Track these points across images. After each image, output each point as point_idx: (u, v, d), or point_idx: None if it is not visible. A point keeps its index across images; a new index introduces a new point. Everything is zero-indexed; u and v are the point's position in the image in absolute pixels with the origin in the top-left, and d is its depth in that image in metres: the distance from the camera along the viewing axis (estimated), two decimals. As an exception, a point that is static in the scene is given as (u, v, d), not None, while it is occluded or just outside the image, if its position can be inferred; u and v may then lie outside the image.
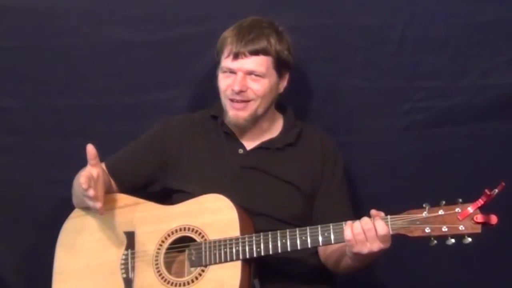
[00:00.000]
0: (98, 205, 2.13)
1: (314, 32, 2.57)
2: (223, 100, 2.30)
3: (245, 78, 2.25)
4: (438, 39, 2.53)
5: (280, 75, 2.32)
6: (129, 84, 2.66)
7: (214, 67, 2.36)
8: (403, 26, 2.53)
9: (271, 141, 2.34)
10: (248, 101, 2.26)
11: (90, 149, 2.17)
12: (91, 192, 2.09)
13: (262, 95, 2.27)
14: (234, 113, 2.28)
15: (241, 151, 2.33)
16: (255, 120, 2.30)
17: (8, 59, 2.67)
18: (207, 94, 2.45)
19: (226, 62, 2.27)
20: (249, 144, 2.34)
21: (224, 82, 2.28)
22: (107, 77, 2.66)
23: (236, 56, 2.24)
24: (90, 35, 2.63)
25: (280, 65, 2.30)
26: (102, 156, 2.37)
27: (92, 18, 2.63)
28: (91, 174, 2.14)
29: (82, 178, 2.10)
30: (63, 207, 2.40)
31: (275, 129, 2.38)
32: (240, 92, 2.24)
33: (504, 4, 2.51)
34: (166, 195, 2.36)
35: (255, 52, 2.24)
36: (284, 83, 2.35)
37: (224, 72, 2.28)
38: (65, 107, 2.67)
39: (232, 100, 2.27)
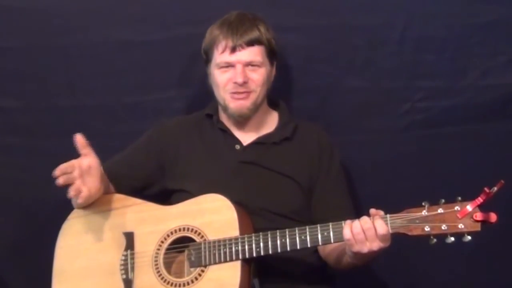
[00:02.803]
0: (80, 199, 2.13)
1: (314, 32, 2.58)
2: (222, 95, 2.31)
3: (245, 70, 2.26)
4: (438, 39, 2.54)
5: (271, 64, 2.34)
6: (129, 84, 2.66)
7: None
8: (403, 26, 2.54)
9: (267, 135, 2.35)
10: (249, 92, 2.28)
11: (79, 138, 2.15)
12: (60, 180, 2.09)
13: (261, 84, 2.29)
14: (238, 104, 2.28)
15: (238, 146, 2.33)
16: (256, 110, 2.32)
17: (8, 59, 2.67)
18: (207, 94, 2.44)
19: (223, 57, 2.28)
20: (246, 139, 2.34)
21: (223, 77, 2.29)
22: (107, 77, 2.66)
23: (234, 49, 2.26)
24: (90, 35, 2.63)
25: (271, 54, 2.32)
26: (102, 156, 2.36)
27: (92, 18, 2.63)
28: (81, 164, 2.13)
29: (61, 165, 2.10)
30: (63, 208, 2.39)
31: (271, 124, 2.38)
32: (243, 83, 2.26)
33: (504, 4, 2.51)
34: (165, 196, 2.36)
35: (251, 43, 2.26)
36: (274, 72, 2.37)
37: (221, 67, 2.29)
38: (65, 107, 2.67)
39: (233, 93, 2.28)
